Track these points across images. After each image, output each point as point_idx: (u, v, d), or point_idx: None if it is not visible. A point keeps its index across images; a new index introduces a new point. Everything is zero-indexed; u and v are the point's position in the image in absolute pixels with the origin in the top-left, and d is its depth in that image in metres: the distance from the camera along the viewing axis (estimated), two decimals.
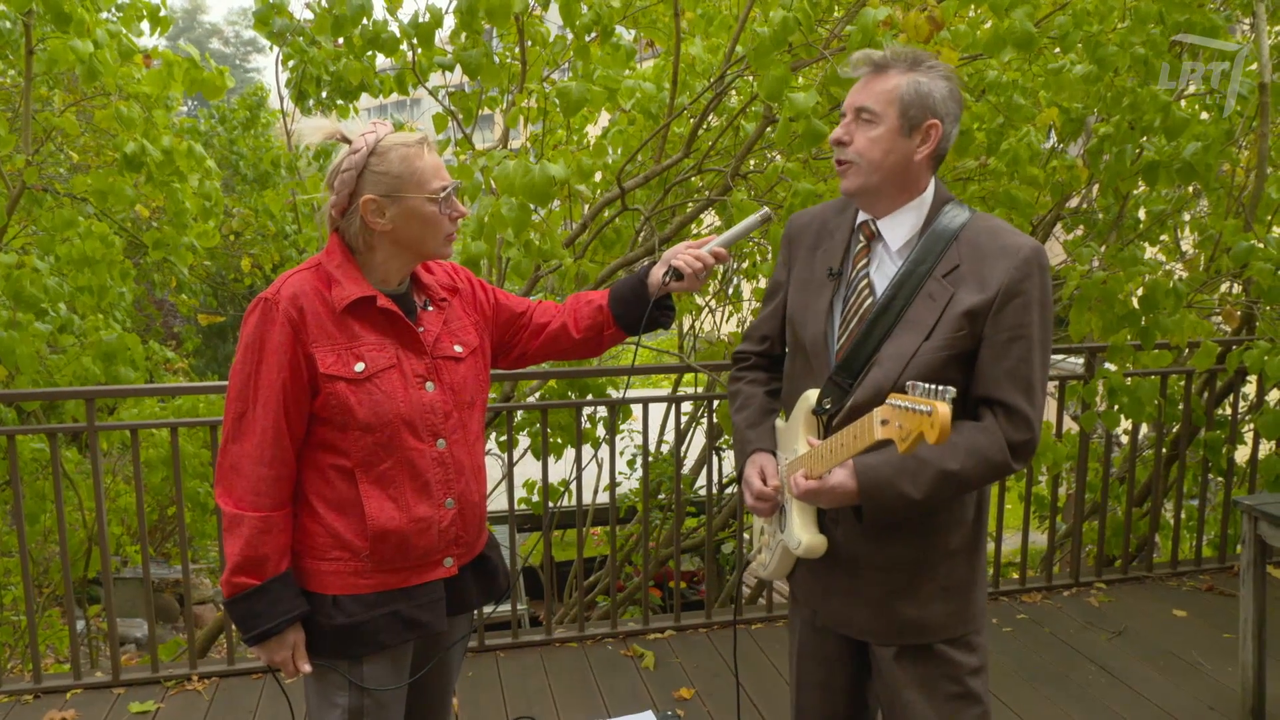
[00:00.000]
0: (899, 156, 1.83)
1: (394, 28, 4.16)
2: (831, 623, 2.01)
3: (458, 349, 1.98)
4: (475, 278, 2.16)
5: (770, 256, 4.55)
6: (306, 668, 1.87)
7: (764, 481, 2.00)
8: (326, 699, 1.93)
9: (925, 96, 1.81)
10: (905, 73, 1.82)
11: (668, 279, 2.13)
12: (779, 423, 2.09)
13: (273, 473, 1.82)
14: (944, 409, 1.46)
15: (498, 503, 5.24)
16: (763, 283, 5.38)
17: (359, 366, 1.83)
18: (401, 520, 1.87)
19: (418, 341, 1.91)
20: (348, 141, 1.87)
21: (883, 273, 1.89)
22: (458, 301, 2.06)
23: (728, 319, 6.68)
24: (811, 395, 1.90)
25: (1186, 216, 5.64)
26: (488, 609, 3.98)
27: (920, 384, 1.51)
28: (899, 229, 1.88)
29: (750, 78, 4.00)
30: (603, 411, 4.13)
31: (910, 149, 1.84)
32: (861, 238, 1.93)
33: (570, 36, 4.11)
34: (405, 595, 1.92)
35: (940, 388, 1.49)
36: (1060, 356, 5.44)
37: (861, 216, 1.95)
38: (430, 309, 1.98)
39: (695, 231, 4.89)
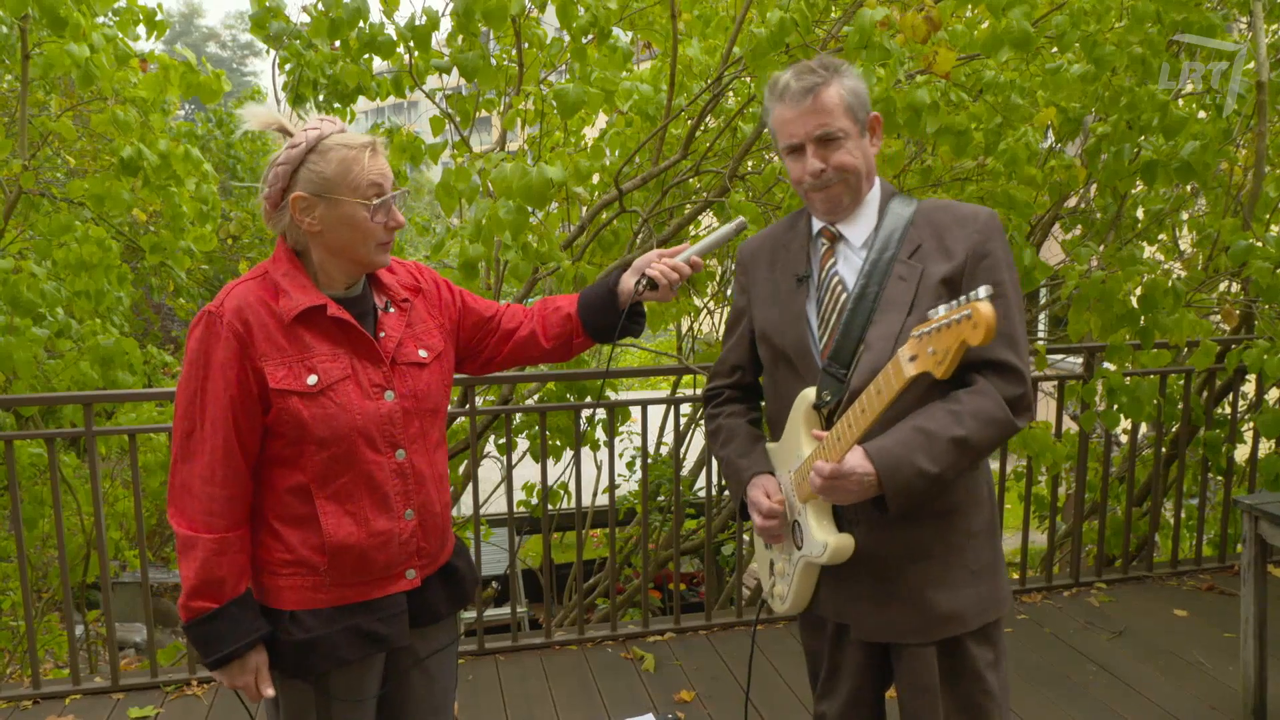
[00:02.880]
0: (867, 157, 1.89)
1: (390, 30, 4.16)
2: (867, 634, 1.96)
3: (422, 354, 1.91)
4: (441, 278, 2.07)
5: None
6: (270, 692, 1.82)
7: (768, 499, 1.97)
8: (296, 715, 1.89)
9: (859, 95, 1.87)
10: (832, 82, 1.84)
11: (641, 288, 2.07)
12: (769, 445, 2.06)
13: (225, 492, 1.75)
14: (984, 306, 1.46)
15: (497, 505, 5.24)
16: None
17: (311, 379, 1.76)
18: (360, 535, 1.82)
19: (374, 349, 1.84)
20: (289, 134, 1.80)
21: (850, 267, 1.91)
22: (421, 302, 1.98)
23: (721, 338, 6.66)
24: (809, 392, 1.89)
25: (1185, 216, 5.64)
26: (488, 612, 3.96)
27: (943, 305, 1.53)
28: (858, 225, 1.92)
29: (748, 79, 4.00)
30: (601, 414, 4.13)
31: (869, 147, 1.90)
32: (824, 241, 1.95)
33: (567, 38, 4.10)
34: (365, 609, 1.86)
35: (970, 292, 1.49)
36: (1059, 356, 5.43)
37: (818, 224, 1.96)
38: (392, 311, 1.91)
39: (694, 233, 4.89)
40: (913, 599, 1.90)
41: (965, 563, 1.91)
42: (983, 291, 1.48)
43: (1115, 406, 4.05)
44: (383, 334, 1.88)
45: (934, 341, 1.53)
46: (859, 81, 1.87)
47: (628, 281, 2.10)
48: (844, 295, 1.88)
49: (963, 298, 1.50)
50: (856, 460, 1.75)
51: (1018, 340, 1.84)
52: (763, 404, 2.16)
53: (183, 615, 1.77)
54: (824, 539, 1.87)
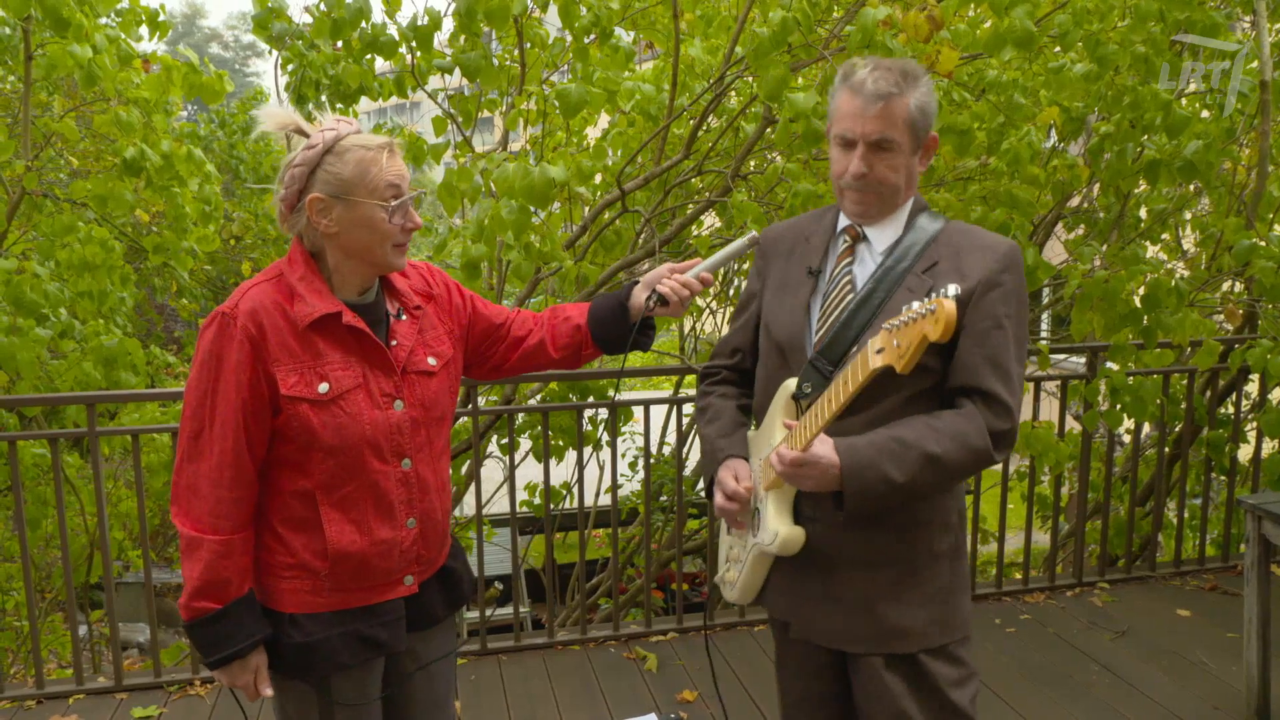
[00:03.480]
0: (909, 174, 1.88)
1: (393, 31, 4.16)
2: (806, 634, 1.96)
3: (431, 361, 1.91)
4: (453, 282, 2.06)
5: None
6: (268, 691, 1.83)
7: (736, 482, 1.97)
8: (299, 716, 1.90)
9: (926, 114, 1.85)
10: (907, 94, 1.82)
11: (652, 304, 2.07)
12: (750, 433, 2.06)
13: (233, 495, 1.75)
14: (949, 303, 1.46)
15: (499, 505, 5.25)
16: None
17: (323, 387, 1.76)
18: (363, 544, 1.82)
19: (386, 358, 1.84)
20: (305, 135, 1.78)
21: (864, 269, 1.90)
22: (432, 308, 1.97)
23: (728, 320, 6.67)
24: (791, 382, 1.89)
25: (1188, 215, 5.63)
26: (491, 612, 3.95)
27: (916, 302, 1.52)
28: (884, 232, 1.91)
29: (750, 78, 3.99)
30: (604, 414, 4.13)
31: (915, 165, 1.88)
32: (846, 238, 1.94)
33: (569, 38, 4.10)
34: (364, 614, 1.87)
35: (940, 289, 1.49)
36: (1062, 356, 5.43)
37: (844, 221, 1.96)
38: (404, 318, 1.90)
39: (696, 233, 4.88)
40: (860, 607, 1.89)
41: (920, 582, 1.89)
42: (951, 289, 1.49)
43: (1118, 406, 4.05)
44: (395, 342, 1.87)
45: (899, 335, 1.53)
46: (931, 99, 1.86)
47: (639, 296, 2.10)
48: (851, 295, 1.88)
49: (933, 293, 1.50)
50: (824, 450, 1.74)
51: (1011, 376, 1.83)
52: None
53: (185, 615, 1.77)
54: (776, 528, 1.87)
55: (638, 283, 2.13)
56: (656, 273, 2.10)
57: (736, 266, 6.03)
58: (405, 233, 1.80)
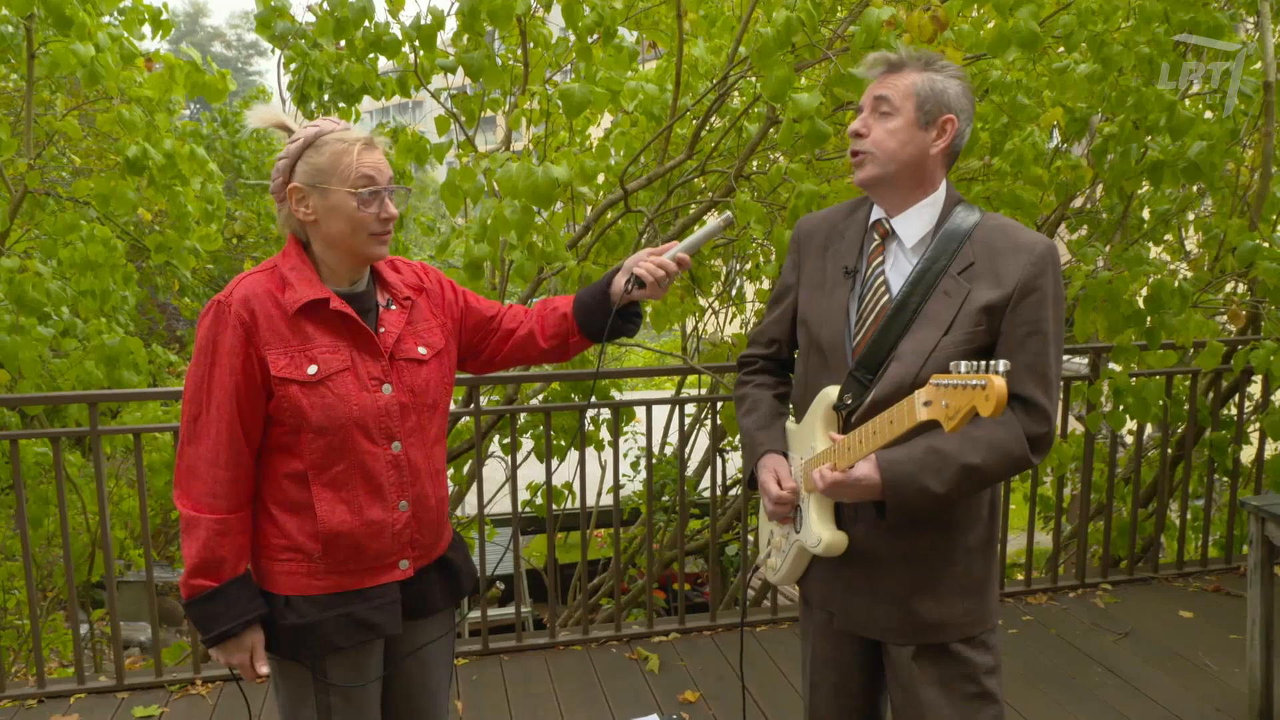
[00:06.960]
0: (915, 149, 1.87)
1: (396, 30, 4.16)
2: (849, 624, 2.00)
3: (421, 350, 1.97)
4: (446, 279, 2.14)
5: (774, 258, 4.54)
6: (264, 670, 1.88)
7: (780, 485, 1.99)
8: (295, 697, 1.95)
9: (941, 93, 1.86)
10: (920, 71, 1.87)
11: (630, 287, 2.11)
12: (790, 425, 2.08)
13: (229, 475, 1.82)
14: (999, 381, 1.47)
15: (501, 505, 5.25)
16: (766, 284, 5.37)
17: (311, 369, 1.83)
18: (354, 523, 1.87)
19: (373, 343, 1.90)
20: (289, 131, 1.88)
21: (898, 270, 1.90)
22: (425, 301, 2.04)
23: (731, 320, 6.67)
24: (831, 391, 1.91)
25: (1191, 216, 5.62)
26: (493, 612, 3.94)
27: (965, 363, 1.52)
28: (913, 226, 1.90)
29: (753, 79, 3.99)
30: (606, 414, 4.13)
31: (926, 142, 1.87)
32: (875, 236, 1.95)
33: (572, 38, 4.10)
34: (359, 597, 1.92)
35: (991, 362, 1.49)
36: (1065, 357, 5.41)
37: (875, 215, 1.97)
38: (393, 308, 1.97)
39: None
40: (899, 602, 1.93)
41: (956, 576, 1.93)
42: (1001, 366, 1.49)
43: (1121, 407, 4.05)
44: (383, 329, 1.93)
45: (949, 396, 1.54)
46: (952, 84, 1.88)
47: (619, 282, 2.14)
48: (886, 298, 1.88)
49: (984, 364, 1.50)
50: (866, 469, 1.78)
51: (1050, 381, 1.84)
52: (793, 376, 2.18)
53: (184, 592, 1.84)
54: (819, 534, 1.91)
55: (620, 268, 2.17)
56: (635, 257, 2.15)
57: (739, 267, 6.02)
58: (380, 222, 1.86)
